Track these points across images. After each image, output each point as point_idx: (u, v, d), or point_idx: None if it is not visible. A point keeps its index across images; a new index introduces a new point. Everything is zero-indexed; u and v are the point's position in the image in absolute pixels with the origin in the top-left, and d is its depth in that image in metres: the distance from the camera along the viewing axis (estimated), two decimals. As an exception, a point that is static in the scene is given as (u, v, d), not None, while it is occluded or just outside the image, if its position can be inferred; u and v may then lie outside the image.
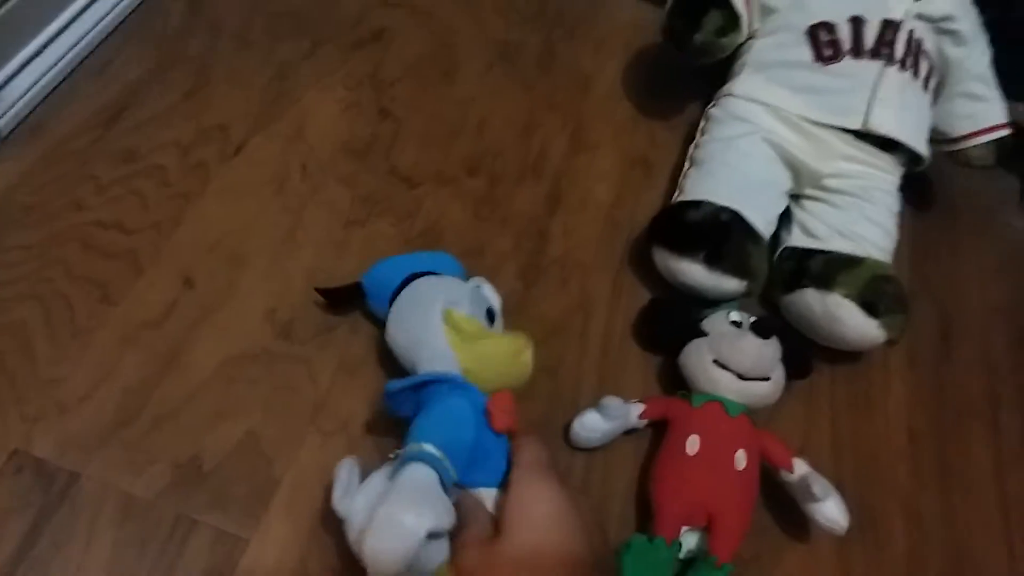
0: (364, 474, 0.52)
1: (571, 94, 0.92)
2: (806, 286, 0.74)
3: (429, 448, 0.51)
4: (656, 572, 0.60)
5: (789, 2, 0.84)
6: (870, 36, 0.80)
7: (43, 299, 0.62)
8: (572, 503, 0.49)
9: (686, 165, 0.82)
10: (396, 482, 0.49)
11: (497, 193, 0.80)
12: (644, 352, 0.74)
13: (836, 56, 0.80)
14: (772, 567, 0.65)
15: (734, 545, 0.61)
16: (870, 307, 0.71)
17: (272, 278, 0.69)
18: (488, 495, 0.52)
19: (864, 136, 0.79)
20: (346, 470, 0.52)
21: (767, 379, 0.67)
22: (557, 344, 0.72)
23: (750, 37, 0.86)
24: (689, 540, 0.61)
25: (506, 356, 0.59)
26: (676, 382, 0.70)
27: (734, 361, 0.66)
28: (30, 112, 0.71)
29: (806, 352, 0.73)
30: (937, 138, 0.87)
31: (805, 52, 0.81)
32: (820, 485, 0.62)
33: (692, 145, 0.84)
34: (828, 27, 0.81)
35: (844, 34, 0.81)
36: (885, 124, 0.78)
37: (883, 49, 0.80)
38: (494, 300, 0.65)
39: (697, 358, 0.68)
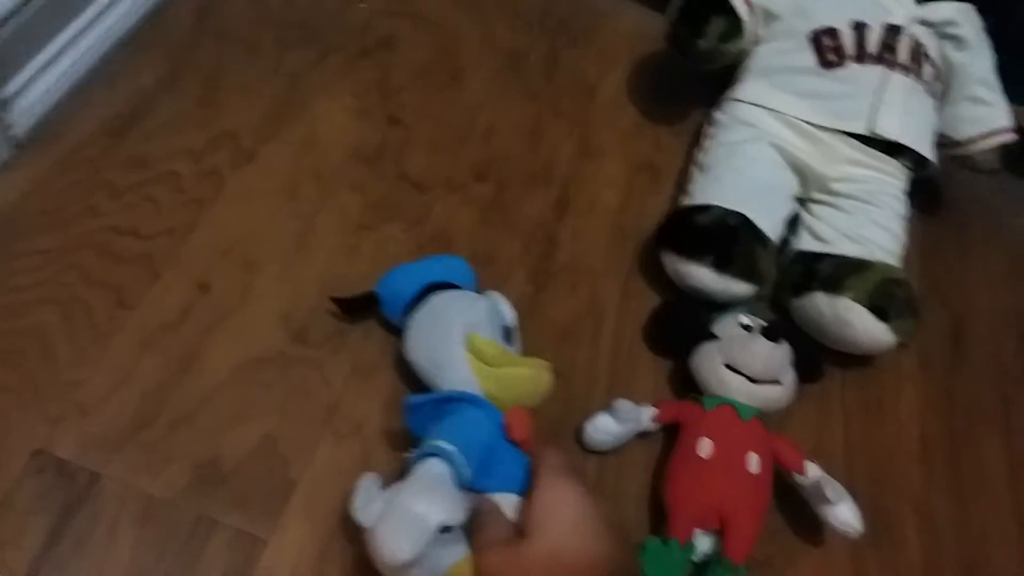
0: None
1: (577, 101, 0.92)
2: (815, 290, 0.74)
3: (444, 444, 0.51)
4: (670, 574, 0.60)
5: (792, 8, 0.85)
6: (873, 41, 0.81)
7: (62, 303, 0.63)
8: (596, 506, 0.49)
9: (692, 170, 0.83)
10: (411, 476, 0.49)
11: (505, 198, 0.81)
12: (655, 356, 0.75)
13: (840, 61, 0.81)
14: (786, 570, 0.65)
15: (747, 548, 0.61)
16: (880, 311, 0.72)
17: (285, 283, 0.69)
18: (505, 500, 0.53)
19: (870, 140, 0.80)
20: (367, 482, 0.53)
21: (778, 382, 0.67)
22: (568, 348, 0.73)
23: (754, 43, 0.86)
24: (703, 543, 0.62)
25: (526, 382, 0.60)
26: (687, 385, 0.70)
27: (745, 364, 0.66)
28: (44, 120, 0.72)
29: (817, 356, 0.73)
30: (942, 142, 0.88)
31: (809, 57, 0.82)
32: (833, 488, 0.63)
33: (698, 150, 0.84)
34: (831, 33, 0.82)
35: (847, 39, 0.81)
36: (890, 128, 0.79)
37: (886, 54, 0.81)
38: (509, 315, 0.65)
39: (708, 362, 0.68)
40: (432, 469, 0.51)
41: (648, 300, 0.77)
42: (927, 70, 0.83)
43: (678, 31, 0.84)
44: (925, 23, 0.84)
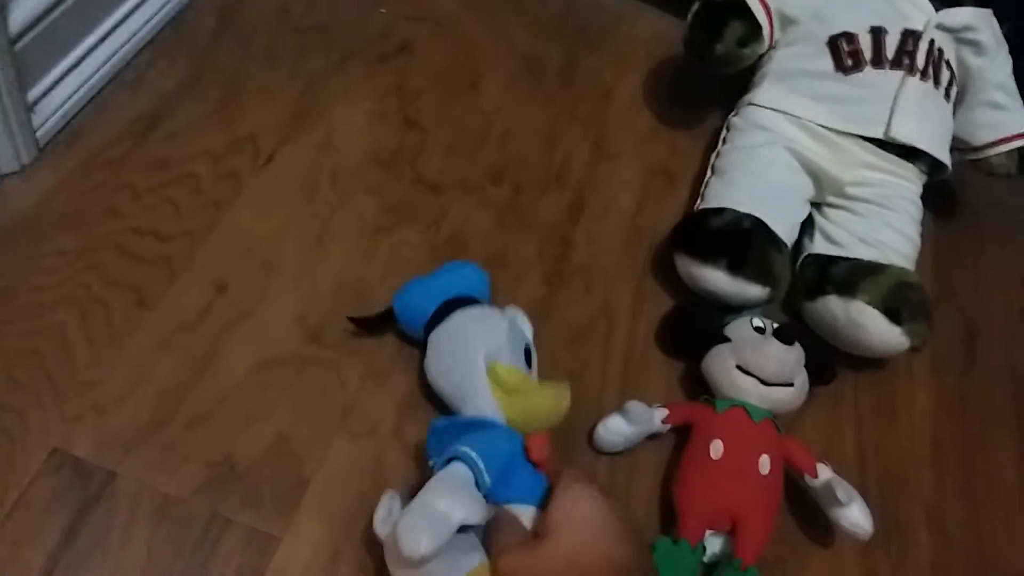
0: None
1: (593, 105, 0.93)
2: (829, 293, 0.74)
3: (466, 450, 0.53)
4: (681, 574, 0.60)
5: (810, 13, 0.84)
6: (891, 46, 0.81)
7: (81, 303, 0.64)
8: (614, 510, 0.49)
9: (708, 174, 0.83)
10: (434, 477, 0.50)
11: (521, 201, 0.82)
12: (667, 358, 0.75)
13: (857, 66, 0.81)
14: (796, 571, 0.65)
15: (758, 549, 0.61)
16: (893, 314, 0.72)
17: (302, 284, 0.70)
18: (523, 512, 0.53)
19: (886, 145, 0.80)
20: (388, 497, 0.54)
21: (790, 385, 0.67)
22: (581, 350, 0.73)
23: (771, 47, 0.87)
24: (713, 544, 0.62)
25: (547, 409, 0.61)
26: (699, 387, 0.70)
27: (758, 367, 0.67)
28: (67, 122, 0.73)
29: (830, 358, 0.73)
30: (959, 147, 0.88)
31: (826, 62, 0.82)
32: (844, 490, 0.62)
33: (714, 154, 0.85)
34: (849, 37, 0.82)
35: (865, 44, 0.81)
36: (907, 133, 0.79)
37: (904, 59, 0.81)
38: (528, 333, 0.66)
39: (721, 364, 0.68)
40: (455, 472, 0.52)
41: (662, 303, 0.78)
42: (944, 75, 0.83)
43: (696, 36, 0.85)
44: (943, 28, 0.84)
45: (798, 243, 0.80)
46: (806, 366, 0.69)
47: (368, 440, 0.63)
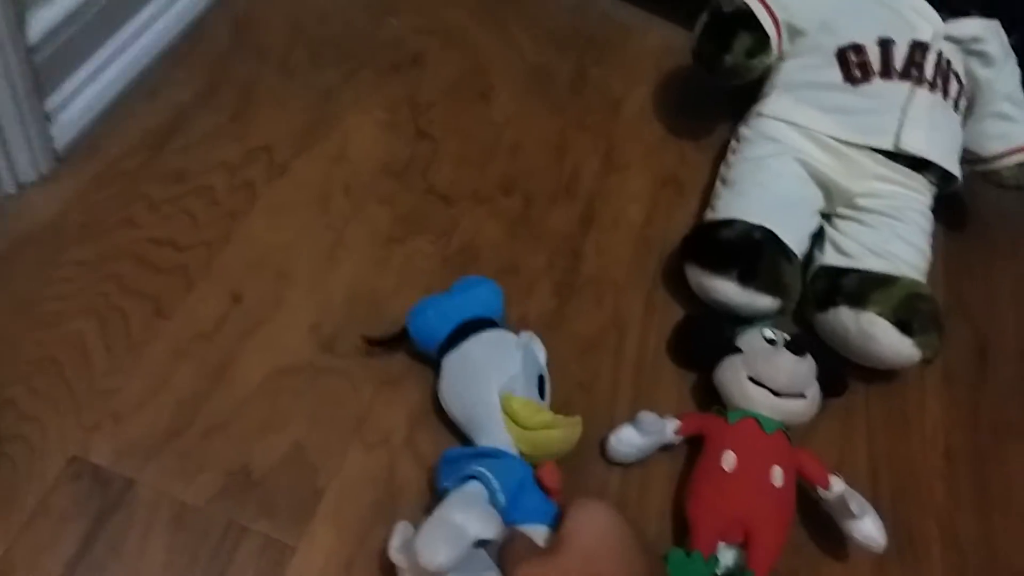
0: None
1: (603, 116, 0.94)
2: (840, 304, 0.75)
3: (481, 469, 0.54)
4: (693, 586, 0.61)
5: (818, 24, 0.85)
6: (899, 57, 0.82)
7: (99, 312, 0.64)
8: (627, 523, 0.50)
9: (717, 184, 0.84)
10: (450, 494, 0.51)
11: (532, 212, 0.82)
12: (678, 369, 0.75)
13: (866, 77, 0.81)
14: (809, 583, 0.66)
15: (771, 561, 0.61)
16: (904, 325, 0.72)
17: (316, 294, 0.70)
18: (536, 532, 0.54)
19: (895, 156, 0.80)
20: (403, 526, 0.56)
21: (802, 396, 0.68)
22: (592, 361, 0.73)
23: (779, 59, 0.87)
24: (726, 556, 0.62)
25: (559, 442, 0.61)
26: (711, 398, 0.70)
27: (769, 378, 0.67)
28: (85, 134, 0.74)
29: (841, 370, 0.74)
30: (969, 158, 0.88)
31: (835, 73, 0.83)
32: (857, 502, 0.63)
33: (723, 165, 0.85)
34: (857, 49, 0.82)
35: (873, 56, 0.82)
36: (916, 144, 0.79)
37: (912, 70, 0.81)
38: (542, 359, 0.67)
39: (732, 375, 0.69)
40: (471, 489, 0.53)
41: (672, 313, 0.78)
42: (953, 86, 0.83)
43: (704, 47, 0.85)
44: (951, 39, 0.84)
45: (808, 254, 0.81)
46: (818, 378, 0.69)
47: (381, 450, 0.64)
